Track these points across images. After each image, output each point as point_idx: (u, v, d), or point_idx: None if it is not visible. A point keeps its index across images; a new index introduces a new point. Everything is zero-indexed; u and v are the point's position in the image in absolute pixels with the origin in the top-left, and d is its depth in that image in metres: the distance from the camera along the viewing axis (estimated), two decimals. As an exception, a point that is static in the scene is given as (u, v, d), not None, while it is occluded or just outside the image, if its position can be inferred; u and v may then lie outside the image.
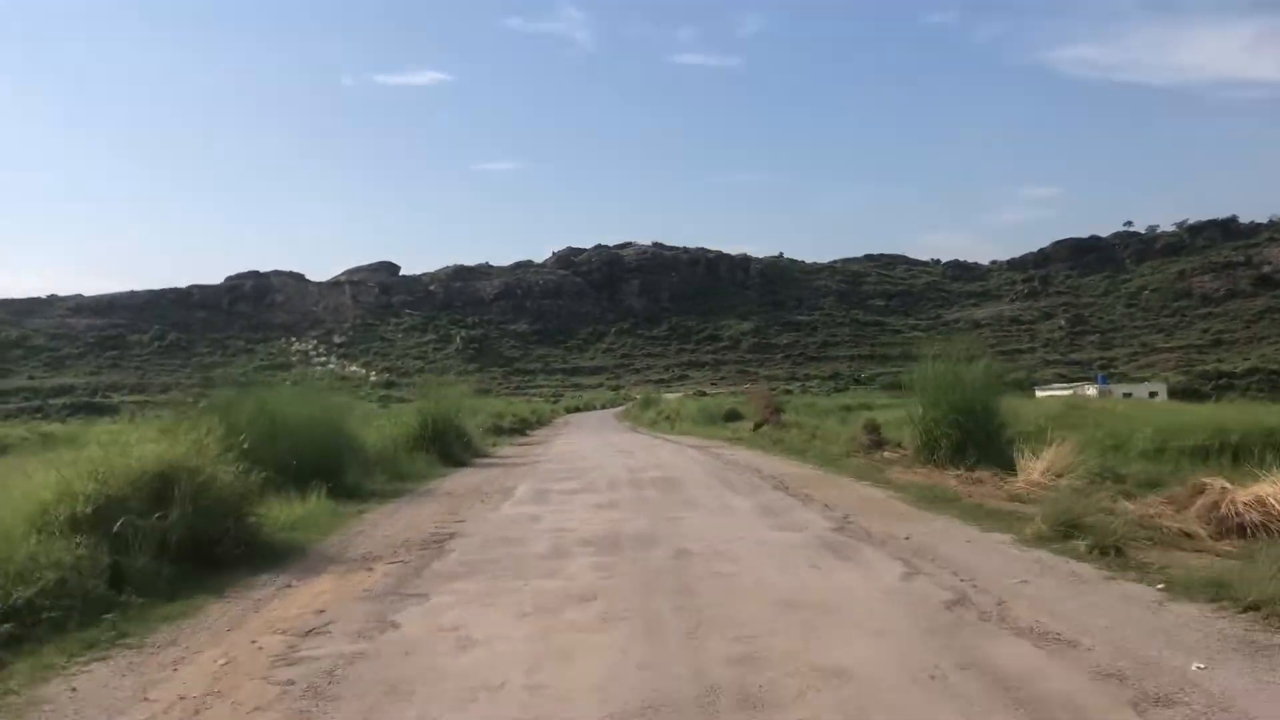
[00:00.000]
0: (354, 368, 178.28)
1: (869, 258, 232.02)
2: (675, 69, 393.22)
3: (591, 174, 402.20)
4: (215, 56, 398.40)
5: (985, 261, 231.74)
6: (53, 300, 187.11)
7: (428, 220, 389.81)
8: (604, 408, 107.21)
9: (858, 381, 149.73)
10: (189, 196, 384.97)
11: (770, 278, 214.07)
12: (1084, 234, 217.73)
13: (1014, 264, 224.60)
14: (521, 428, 50.46)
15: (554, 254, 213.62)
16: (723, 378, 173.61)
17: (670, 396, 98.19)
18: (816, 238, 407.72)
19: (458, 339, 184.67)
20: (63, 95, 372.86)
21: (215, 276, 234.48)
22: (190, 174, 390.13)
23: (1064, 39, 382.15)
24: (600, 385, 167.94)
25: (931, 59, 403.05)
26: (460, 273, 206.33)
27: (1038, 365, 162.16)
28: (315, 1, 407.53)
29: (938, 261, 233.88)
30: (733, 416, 42.78)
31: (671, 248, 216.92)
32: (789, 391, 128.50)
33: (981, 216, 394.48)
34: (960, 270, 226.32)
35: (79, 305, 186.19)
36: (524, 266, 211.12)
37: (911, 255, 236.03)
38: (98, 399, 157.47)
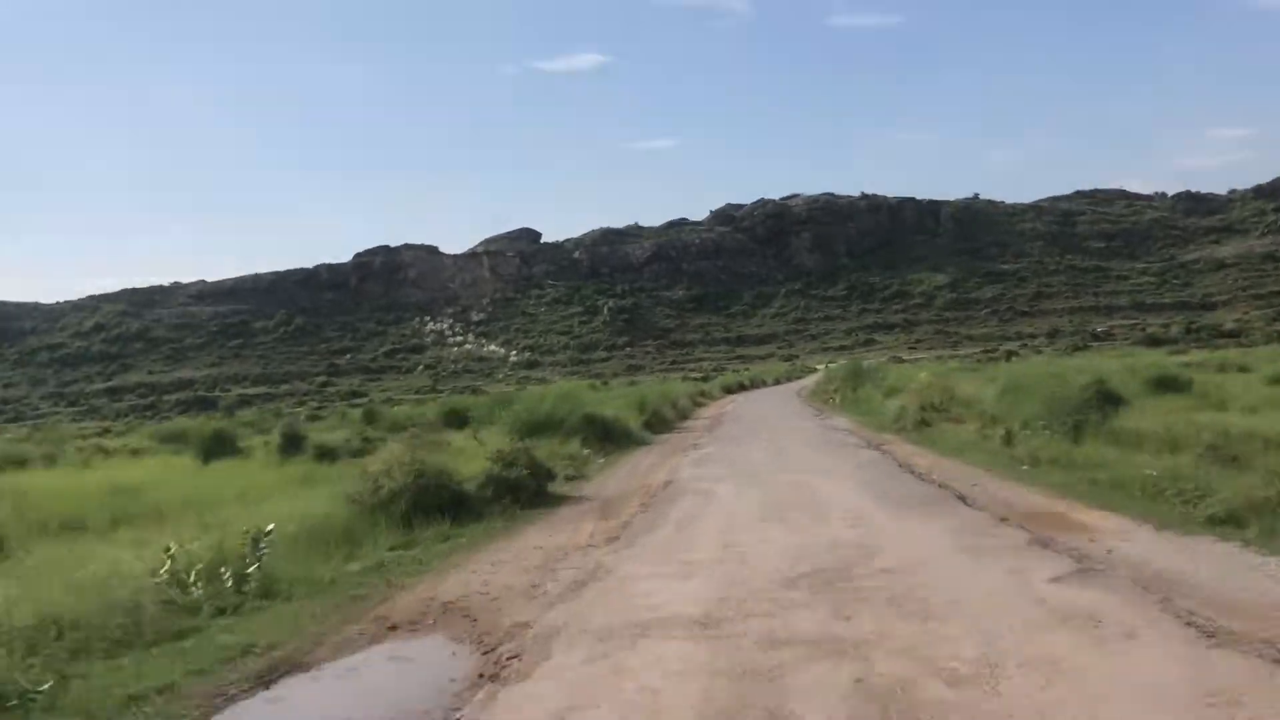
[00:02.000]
0: (492, 347, 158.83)
1: (1080, 194, 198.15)
2: (835, 31, 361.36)
3: (753, 139, 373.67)
4: (374, 62, 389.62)
5: (1223, 191, 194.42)
6: (175, 288, 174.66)
7: (573, 188, 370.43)
8: (778, 382, 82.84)
9: (1095, 337, 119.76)
10: (315, 177, 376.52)
11: (964, 222, 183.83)
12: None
13: (1261, 192, 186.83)
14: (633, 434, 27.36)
15: (711, 212, 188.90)
16: (919, 341, 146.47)
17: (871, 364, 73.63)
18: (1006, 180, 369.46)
19: (605, 310, 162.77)
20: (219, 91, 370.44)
21: (344, 255, 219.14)
22: (329, 159, 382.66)
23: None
24: (770, 356, 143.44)
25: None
26: (607, 236, 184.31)
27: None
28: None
29: (1163, 195, 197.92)
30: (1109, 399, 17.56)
31: (845, 196, 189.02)
32: (1014, 354, 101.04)
33: (1164, 162, 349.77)
34: (1194, 202, 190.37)
35: (201, 292, 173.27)
36: (678, 226, 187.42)
37: (1131, 189, 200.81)
38: (215, 393, 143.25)
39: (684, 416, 39.23)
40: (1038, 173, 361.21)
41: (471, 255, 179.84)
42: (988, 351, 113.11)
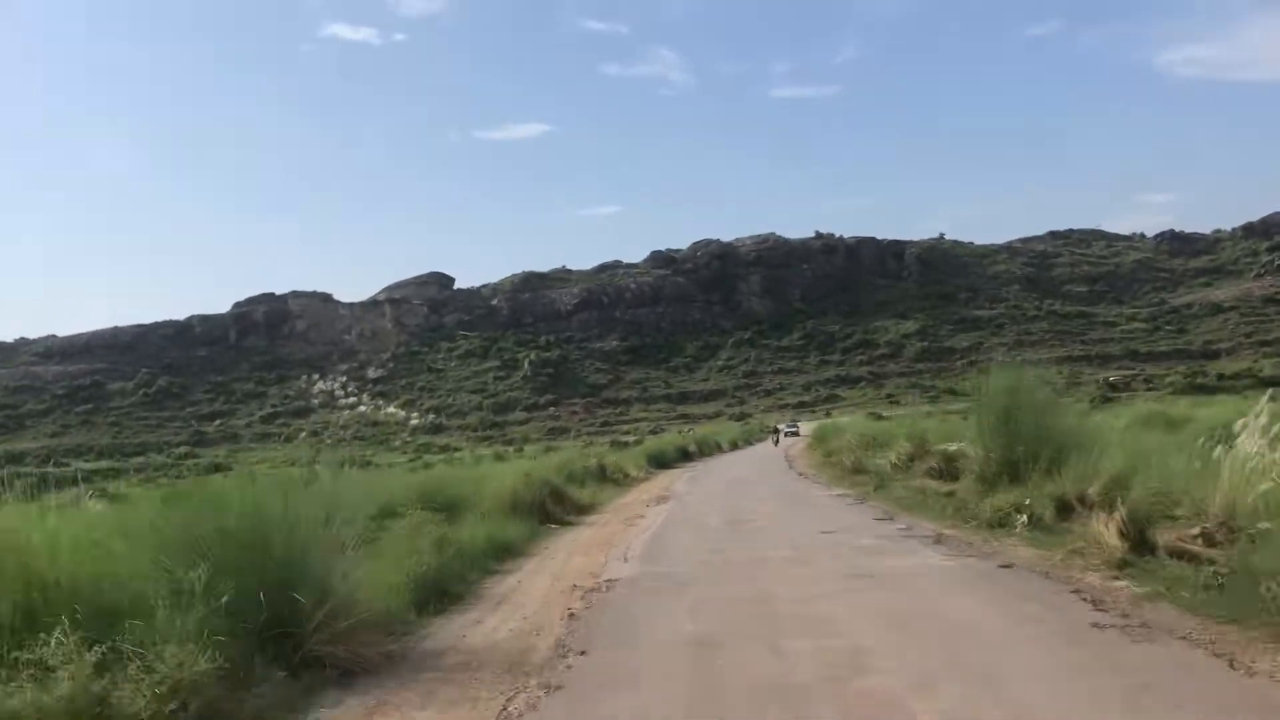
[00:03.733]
0: (391, 409, 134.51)
1: (1054, 235, 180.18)
2: (773, 102, 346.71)
3: (695, 194, 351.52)
4: (286, 105, 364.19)
5: (1207, 230, 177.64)
6: (19, 345, 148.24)
7: (493, 231, 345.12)
8: (735, 446, 60.47)
9: (1113, 387, 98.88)
10: (194, 218, 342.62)
11: (931, 264, 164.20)
12: None
13: (1252, 231, 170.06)
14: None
15: (650, 254, 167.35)
16: (889, 396, 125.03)
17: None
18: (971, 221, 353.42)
19: (526, 364, 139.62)
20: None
21: (222, 305, 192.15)
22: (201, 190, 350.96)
23: (1175, 39, 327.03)
24: (718, 414, 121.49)
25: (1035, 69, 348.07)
26: (530, 281, 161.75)
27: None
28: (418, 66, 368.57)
29: (1143, 236, 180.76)
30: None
31: (797, 238, 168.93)
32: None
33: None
34: (1179, 242, 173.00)
35: (50, 349, 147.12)
36: (611, 269, 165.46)
37: (1109, 229, 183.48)
38: (49, 468, 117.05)
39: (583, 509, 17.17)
40: (1004, 214, 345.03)
41: (372, 304, 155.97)
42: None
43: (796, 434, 65.23)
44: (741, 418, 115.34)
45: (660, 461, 34.13)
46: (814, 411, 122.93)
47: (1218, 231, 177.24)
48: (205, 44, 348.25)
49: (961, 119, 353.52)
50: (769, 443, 63.04)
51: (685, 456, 43.17)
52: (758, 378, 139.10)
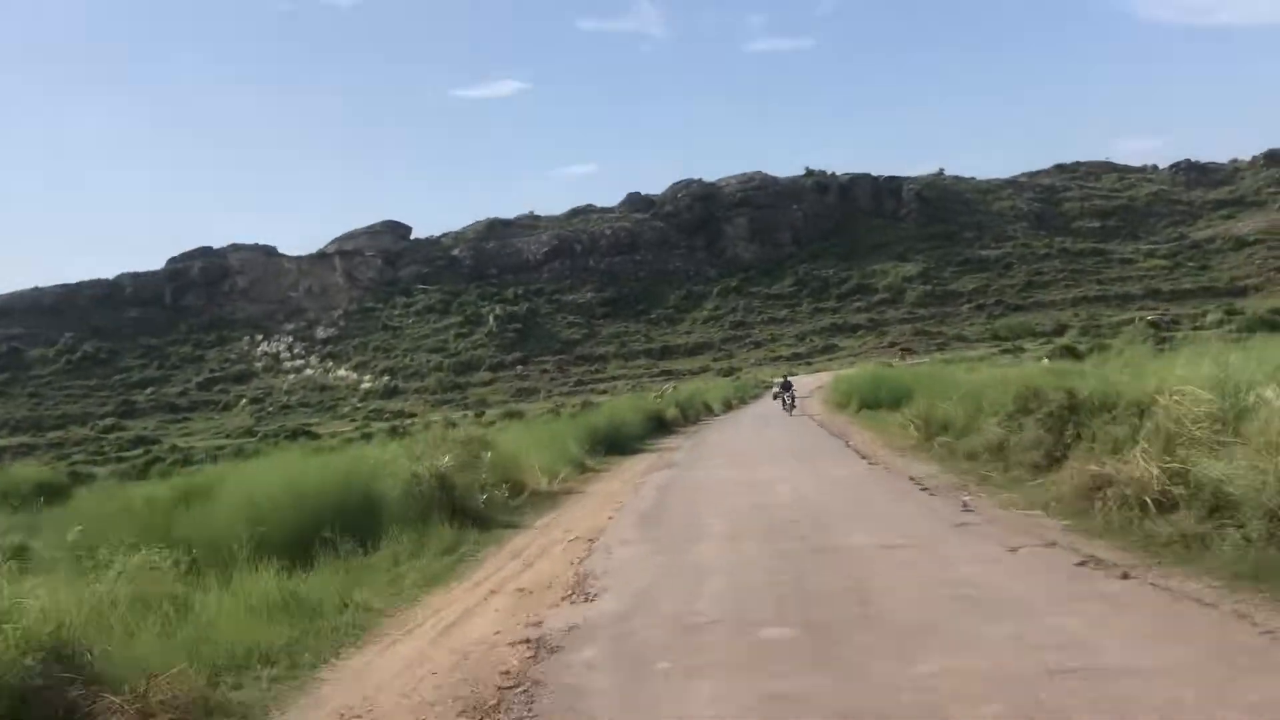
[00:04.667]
0: (341, 371, 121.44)
1: (1061, 168, 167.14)
2: (755, 54, 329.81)
3: (675, 138, 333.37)
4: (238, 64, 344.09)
5: (1224, 160, 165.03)
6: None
7: (453, 176, 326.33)
8: (729, 406, 47.96)
9: (1155, 327, 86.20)
10: (126, 166, 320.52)
11: (930, 202, 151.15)
12: None
13: (1275, 158, 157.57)
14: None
15: (625, 196, 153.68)
16: (893, 344, 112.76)
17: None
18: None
19: (490, 319, 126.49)
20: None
21: (155, 262, 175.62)
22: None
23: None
24: (704, 369, 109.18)
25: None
26: (495, 229, 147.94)
27: None
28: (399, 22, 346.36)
29: (1155, 167, 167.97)
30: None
31: (786, 176, 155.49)
32: (1076, 350, 67.17)
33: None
34: (1196, 173, 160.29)
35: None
36: (583, 214, 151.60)
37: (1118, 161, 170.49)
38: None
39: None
40: (1005, 146, 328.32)
41: (320, 256, 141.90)
42: (1011, 350, 79.87)
43: (790, 395, 52.46)
44: (730, 372, 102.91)
45: (615, 443, 21.31)
46: (810, 363, 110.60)
47: (1235, 161, 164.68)
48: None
49: (946, 60, 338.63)
50: (772, 402, 50.60)
51: (661, 428, 30.36)
52: (746, 329, 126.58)
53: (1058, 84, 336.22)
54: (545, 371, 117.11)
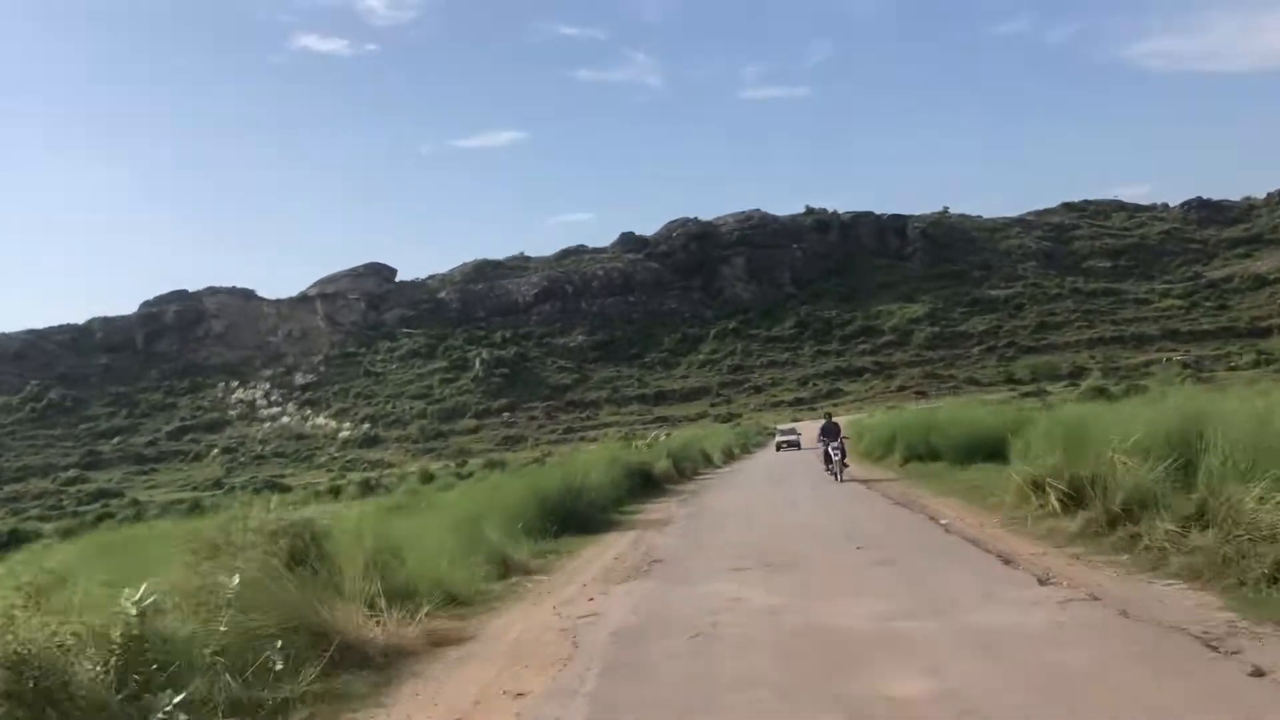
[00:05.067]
0: (320, 419, 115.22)
1: (1069, 207, 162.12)
2: (751, 102, 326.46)
3: (672, 186, 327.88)
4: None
5: (1236, 198, 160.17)
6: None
7: (439, 217, 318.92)
8: (730, 456, 41.96)
9: (1186, 367, 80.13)
10: (99, 207, 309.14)
11: (936, 240, 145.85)
12: None
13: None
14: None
15: (620, 236, 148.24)
16: (901, 388, 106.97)
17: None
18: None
19: (477, 363, 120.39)
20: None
21: (129, 306, 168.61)
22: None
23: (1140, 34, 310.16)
24: (701, 415, 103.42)
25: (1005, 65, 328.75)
26: (484, 270, 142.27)
27: None
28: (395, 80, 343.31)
29: (1166, 205, 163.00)
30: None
31: (784, 215, 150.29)
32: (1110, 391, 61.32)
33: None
34: (1209, 211, 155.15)
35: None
36: (575, 254, 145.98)
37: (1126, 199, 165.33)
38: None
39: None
40: (1008, 186, 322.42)
41: (301, 299, 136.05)
42: (1035, 393, 73.83)
43: (796, 444, 46.25)
44: (729, 418, 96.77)
45: (575, 517, 14.83)
46: (813, 409, 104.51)
47: (1249, 199, 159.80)
48: (162, 41, 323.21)
49: (942, 104, 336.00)
50: (776, 453, 44.57)
51: (648, 485, 24.10)
52: (745, 372, 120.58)
53: (1058, 128, 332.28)
54: (534, 419, 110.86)
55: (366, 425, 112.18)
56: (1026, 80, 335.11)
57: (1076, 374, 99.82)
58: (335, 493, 65.10)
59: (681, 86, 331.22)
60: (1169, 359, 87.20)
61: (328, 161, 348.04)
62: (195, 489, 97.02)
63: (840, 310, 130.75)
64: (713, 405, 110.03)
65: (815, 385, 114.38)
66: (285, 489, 77.39)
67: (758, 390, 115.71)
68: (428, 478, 69.86)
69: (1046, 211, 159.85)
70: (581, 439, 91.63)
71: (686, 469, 31.41)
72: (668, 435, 50.95)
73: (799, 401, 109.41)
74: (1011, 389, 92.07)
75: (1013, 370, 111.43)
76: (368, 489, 65.59)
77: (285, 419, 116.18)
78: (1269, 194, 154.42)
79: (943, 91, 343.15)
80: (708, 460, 37.28)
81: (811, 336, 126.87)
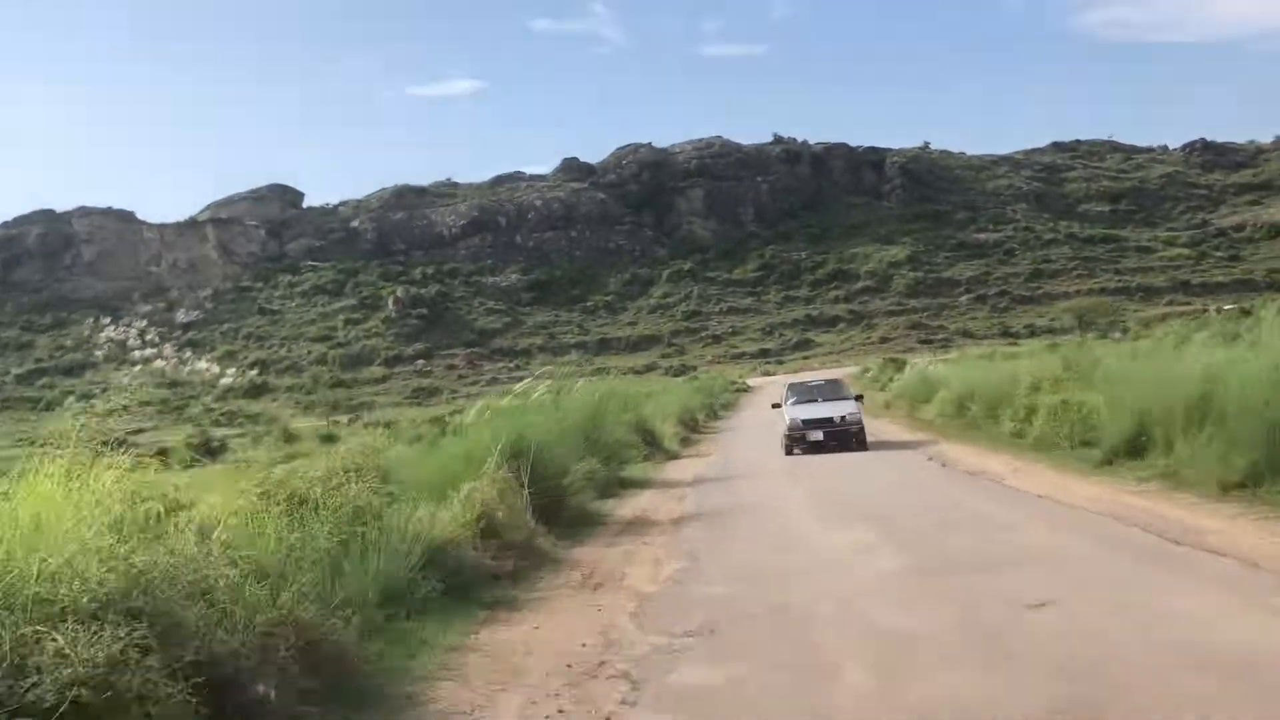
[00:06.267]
0: (201, 364, 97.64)
1: (1059, 146, 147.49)
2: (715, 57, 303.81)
3: (629, 117, 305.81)
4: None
5: (1242, 140, 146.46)
6: None
7: (356, 137, 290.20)
8: (694, 425, 25.47)
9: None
10: None
11: (917, 178, 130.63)
12: None
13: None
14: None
15: (562, 162, 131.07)
16: (885, 339, 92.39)
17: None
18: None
19: (390, 301, 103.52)
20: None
21: None
22: None
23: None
24: (651, 367, 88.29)
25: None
26: (404, 197, 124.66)
27: None
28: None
29: (1165, 148, 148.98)
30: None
31: (751, 144, 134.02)
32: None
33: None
34: (1213, 154, 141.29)
35: None
36: (510, 181, 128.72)
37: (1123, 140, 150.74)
38: None
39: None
40: (993, 124, 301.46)
41: (190, 225, 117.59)
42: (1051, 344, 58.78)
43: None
44: (682, 371, 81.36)
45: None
46: (781, 361, 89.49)
47: (1251, 142, 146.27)
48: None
49: (915, 51, 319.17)
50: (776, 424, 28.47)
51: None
52: (702, 319, 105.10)
53: (1047, 79, 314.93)
54: (453, 367, 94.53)
55: (255, 371, 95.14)
56: (1021, 39, 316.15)
57: (1085, 324, 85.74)
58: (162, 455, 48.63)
59: (644, 38, 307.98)
60: (1217, 307, 72.60)
61: (229, 60, 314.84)
62: (31, 443, 80.00)
63: (810, 252, 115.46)
64: (664, 356, 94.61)
65: (782, 335, 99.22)
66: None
67: (716, 339, 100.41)
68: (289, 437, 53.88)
69: (1035, 151, 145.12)
70: (509, 390, 75.70)
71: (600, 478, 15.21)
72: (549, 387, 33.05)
73: (764, 353, 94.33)
74: (1010, 342, 78.00)
75: (1007, 322, 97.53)
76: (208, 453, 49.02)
77: (159, 362, 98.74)
78: (1276, 137, 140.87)
79: (905, 44, 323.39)
80: (652, 441, 21.32)
81: (778, 280, 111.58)
